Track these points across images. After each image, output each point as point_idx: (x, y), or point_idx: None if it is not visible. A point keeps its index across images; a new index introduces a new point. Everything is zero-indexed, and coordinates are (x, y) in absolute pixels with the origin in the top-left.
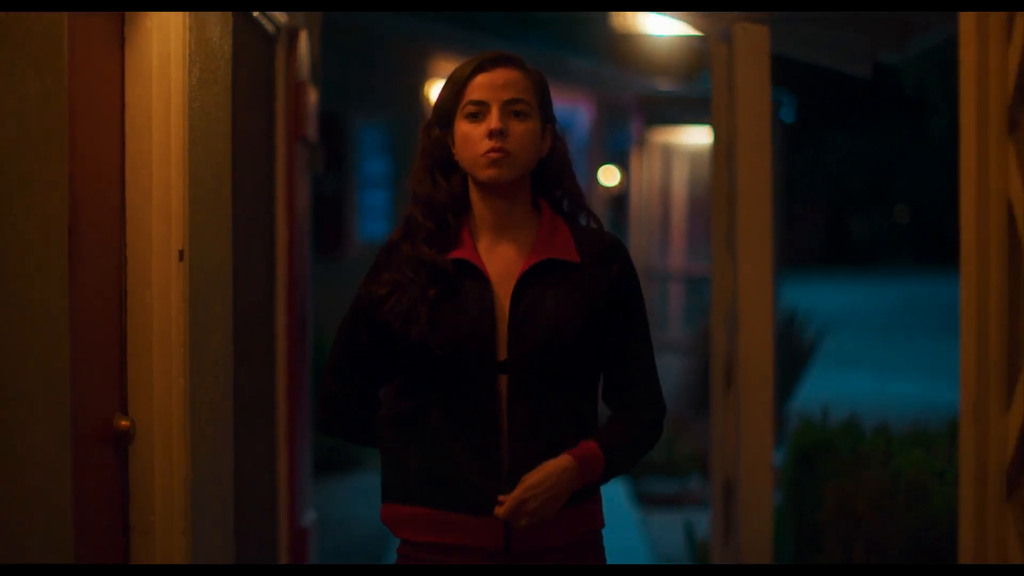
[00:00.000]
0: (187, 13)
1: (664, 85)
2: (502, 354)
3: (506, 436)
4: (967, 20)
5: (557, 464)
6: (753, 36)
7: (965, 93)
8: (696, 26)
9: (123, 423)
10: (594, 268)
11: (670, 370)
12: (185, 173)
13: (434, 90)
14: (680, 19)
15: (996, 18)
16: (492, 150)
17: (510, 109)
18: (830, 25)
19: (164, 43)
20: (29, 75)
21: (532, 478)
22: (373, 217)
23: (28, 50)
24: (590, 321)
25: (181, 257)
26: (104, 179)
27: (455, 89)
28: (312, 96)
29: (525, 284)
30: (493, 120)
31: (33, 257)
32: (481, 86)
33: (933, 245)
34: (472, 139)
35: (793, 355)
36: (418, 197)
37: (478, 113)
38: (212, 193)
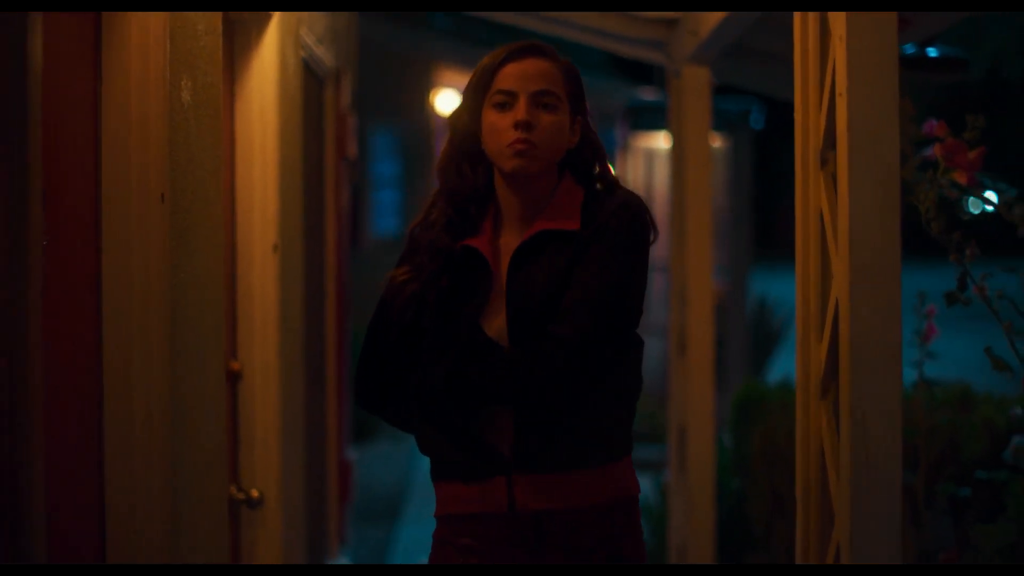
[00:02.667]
0: (279, 74)
1: (647, 95)
2: (504, 335)
3: (510, 420)
4: (797, 94)
5: None
6: (697, 75)
7: (796, 141)
8: (657, 60)
9: (235, 366)
10: (591, 230)
11: (652, 351)
12: (277, 188)
13: (439, 99)
14: (646, 57)
15: (813, 93)
16: (518, 141)
17: (539, 100)
18: (763, 61)
19: (262, 96)
20: (206, 135)
21: None
22: (385, 215)
23: (207, 119)
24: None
25: (275, 249)
26: (224, 193)
27: (484, 78)
28: (352, 122)
29: (517, 264)
30: (520, 111)
31: (209, 246)
32: (510, 76)
33: (917, 238)
34: (499, 129)
35: (764, 336)
36: (442, 185)
37: (506, 103)
38: (292, 203)
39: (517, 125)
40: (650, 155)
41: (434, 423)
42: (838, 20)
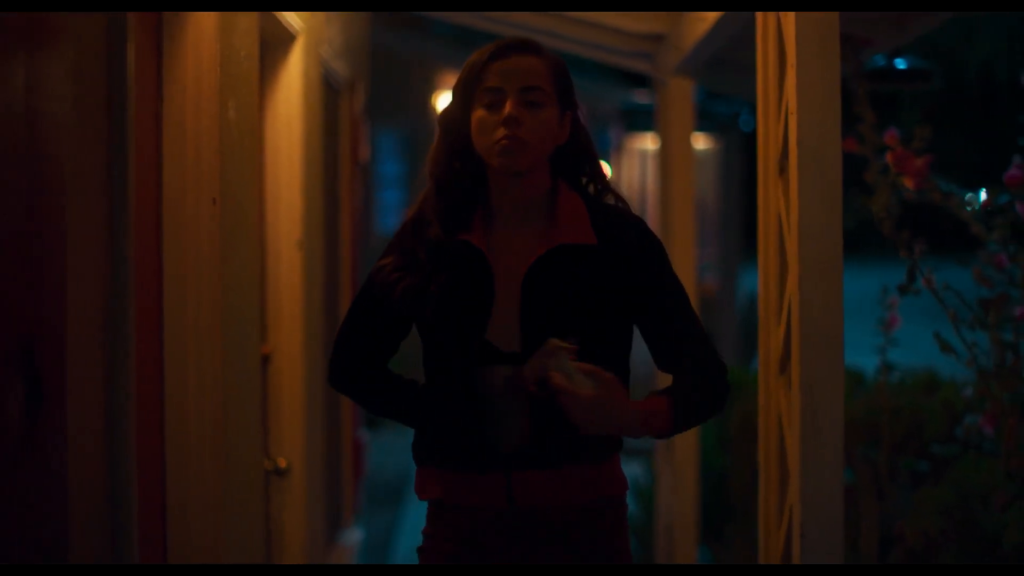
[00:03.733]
0: (303, 90)
1: (641, 98)
2: (513, 343)
3: (517, 417)
4: (759, 110)
5: (622, 401)
6: (681, 86)
7: (758, 151)
8: (646, 71)
9: (266, 349)
10: (613, 249)
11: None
12: (301, 191)
13: (441, 101)
14: (635, 67)
15: (773, 110)
16: (504, 138)
17: (525, 98)
18: (744, 72)
19: (288, 109)
20: (247, 147)
21: (599, 390)
22: (389, 213)
23: (247, 134)
24: (609, 306)
25: (300, 246)
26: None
27: (472, 75)
28: (364, 129)
29: (537, 273)
30: (507, 108)
31: (249, 244)
32: (497, 72)
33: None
34: (486, 126)
35: (753, 330)
36: (434, 179)
37: (493, 101)
38: (314, 204)
39: (504, 122)
40: (644, 156)
41: (451, 414)
42: (791, 48)
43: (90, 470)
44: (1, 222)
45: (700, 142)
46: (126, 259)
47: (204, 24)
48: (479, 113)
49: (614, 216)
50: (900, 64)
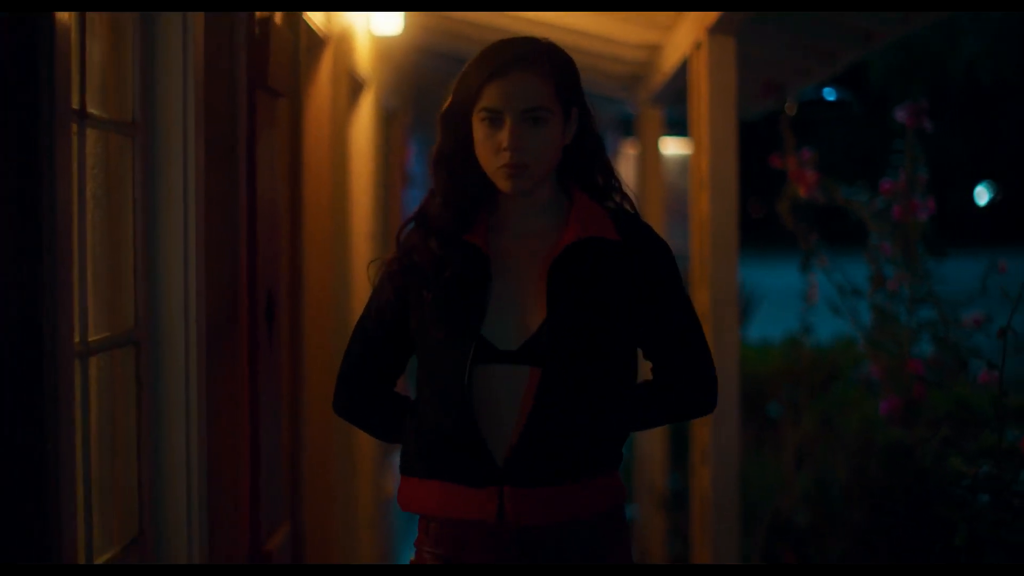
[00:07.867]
0: (374, 122)
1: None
2: (509, 342)
3: (521, 422)
4: (692, 144)
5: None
6: (652, 115)
7: (690, 173)
8: (628, 98)
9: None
10: (635, 248)
11: None
12: (371, 198)
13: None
14: (620, 96)
15: (698, 144)
16: (507, 164)
17: (527, 116)
18: None
19: (363, 135)
20: (344, 176)
21: None
22: (411, 209)
23: (344, 168)
24: (633, 306)
25: (371, 238)
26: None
27: (470, 91)
28: (409, 145)
29: (562, 266)
30: (507, 135)
31: (344, 238)
32: (495, 93)
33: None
34: (488, 148)
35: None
36: (436, 181)
37: (492, 119)
38: (378, 205)
39: (506, 148)
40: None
41: (440, 422)
42: (704, 105)
43: (287, 372)
44: (265, 234)
45: (690, 147)
46: (301, 251)
47: (323, 98)
48: (480, 130)
49: (629, 218)
50: (828, 93)
